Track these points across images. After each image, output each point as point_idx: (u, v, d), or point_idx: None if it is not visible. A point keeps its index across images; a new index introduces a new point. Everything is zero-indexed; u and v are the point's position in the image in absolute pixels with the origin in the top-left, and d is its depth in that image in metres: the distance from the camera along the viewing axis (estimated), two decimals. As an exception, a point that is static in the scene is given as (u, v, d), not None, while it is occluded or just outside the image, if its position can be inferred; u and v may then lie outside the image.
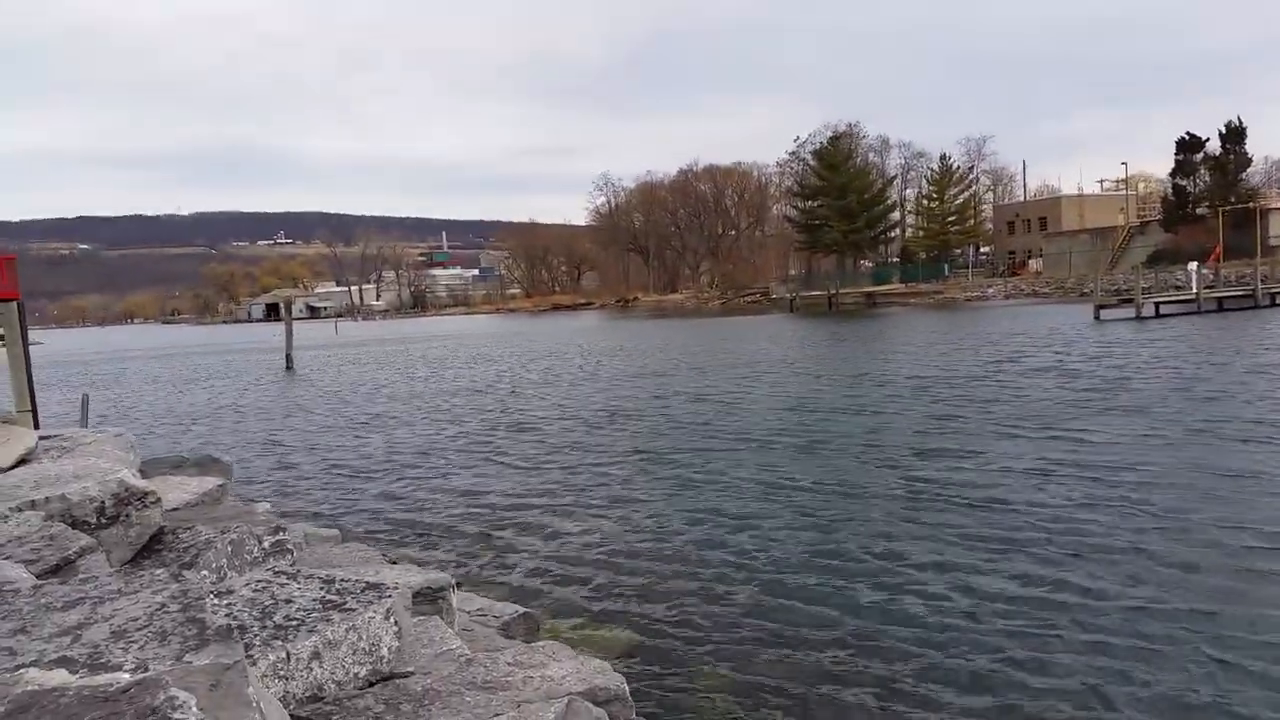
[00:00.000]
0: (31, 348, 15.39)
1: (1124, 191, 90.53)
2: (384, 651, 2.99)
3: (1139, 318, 39.71)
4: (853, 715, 5.53)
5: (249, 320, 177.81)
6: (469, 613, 5.60)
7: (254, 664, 2.54)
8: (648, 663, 6.38)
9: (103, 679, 1.94)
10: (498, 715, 2.88)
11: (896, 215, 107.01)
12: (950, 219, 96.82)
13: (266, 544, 4.08)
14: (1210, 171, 71.03)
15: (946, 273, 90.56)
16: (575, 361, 34.89)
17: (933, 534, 9.02)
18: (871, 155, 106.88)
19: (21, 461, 4.85)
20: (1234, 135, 70.13)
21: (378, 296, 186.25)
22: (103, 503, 3.81)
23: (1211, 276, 48.29)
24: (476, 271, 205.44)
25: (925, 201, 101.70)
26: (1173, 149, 73.46)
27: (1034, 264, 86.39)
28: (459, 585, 5.60)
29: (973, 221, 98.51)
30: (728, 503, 10.86)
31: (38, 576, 3.06)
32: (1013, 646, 6.30)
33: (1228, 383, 18.09)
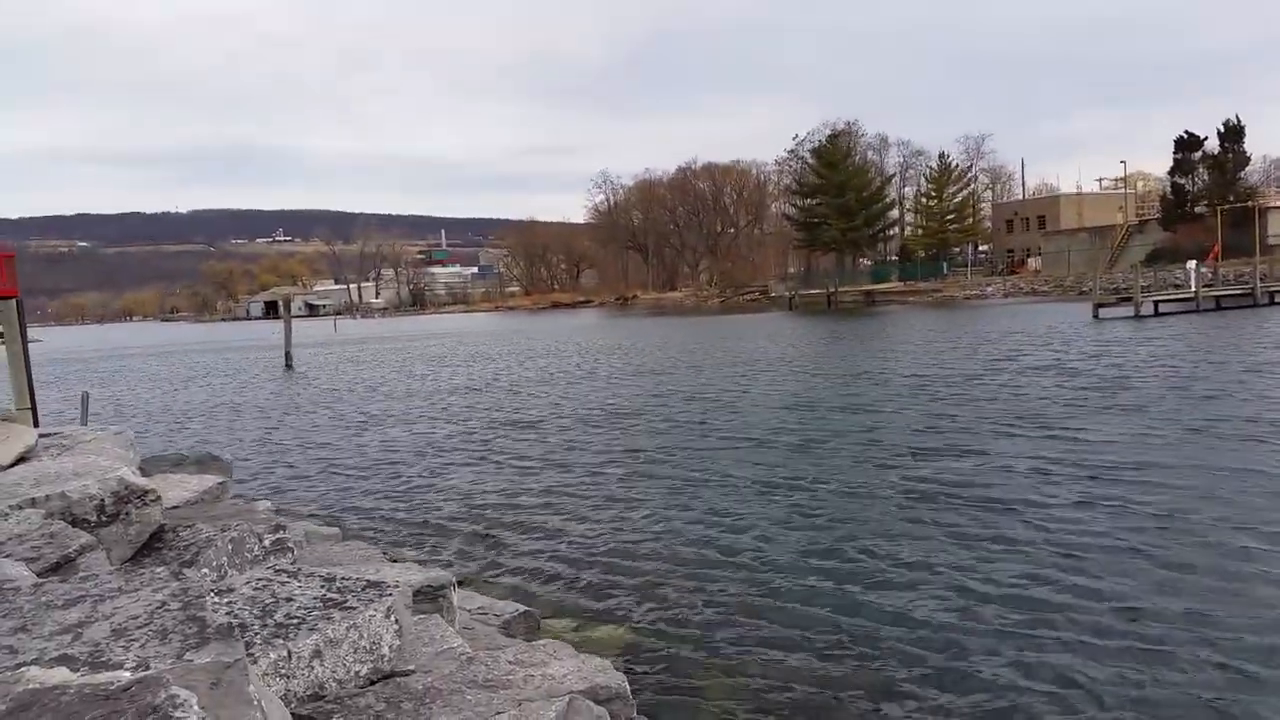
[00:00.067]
0: (30, 345, 15.38)
1: (1123, 190, 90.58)
2: (385, 650, 2.99)
3: (1138, 316, 39.74)
4: (851, 714, 5.53)
5: (248, 318, 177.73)
6: (470, 611, 5.60)
7: (255, 662, 2.54)
8: (648, 661, 6.38)
9: (104, 677, 1.94)
10: (499, 713, 2.88)
11: (895, 213, 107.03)
12: (949, 217, 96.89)
13: (267, 542, 4.08)
14: (1209, 170, 71.12)
15: (945, 271, 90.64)
16: (574, 360, 34.89)
17: (931, 533, 9.02)
18: (870, 153, 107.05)
19: (21, 459, 4.85)
20: (1232, 134, 70.19)
21: (377, 294, 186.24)
22: (103, 501, 3.81)
23: (1210, 275, 48.30)
24: (475, 270, 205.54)
25: (924, 200, 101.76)
26: (1171, 148, 73.62)
27: (1033, 262, 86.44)
28: (460, 584, 5.60)
29: (971, 220, 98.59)
30: (727, 502, 10.86)
31: (38, 574, 3.06)
32: (1013, 647, 6.30)
33: (1226, 381, 18.10)
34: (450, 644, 3.64)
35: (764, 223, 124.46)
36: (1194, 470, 10.85)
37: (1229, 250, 60.06)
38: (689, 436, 15.61)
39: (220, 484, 5.63)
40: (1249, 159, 72.68)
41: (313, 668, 2.76)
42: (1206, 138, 71.50)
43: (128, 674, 1.98)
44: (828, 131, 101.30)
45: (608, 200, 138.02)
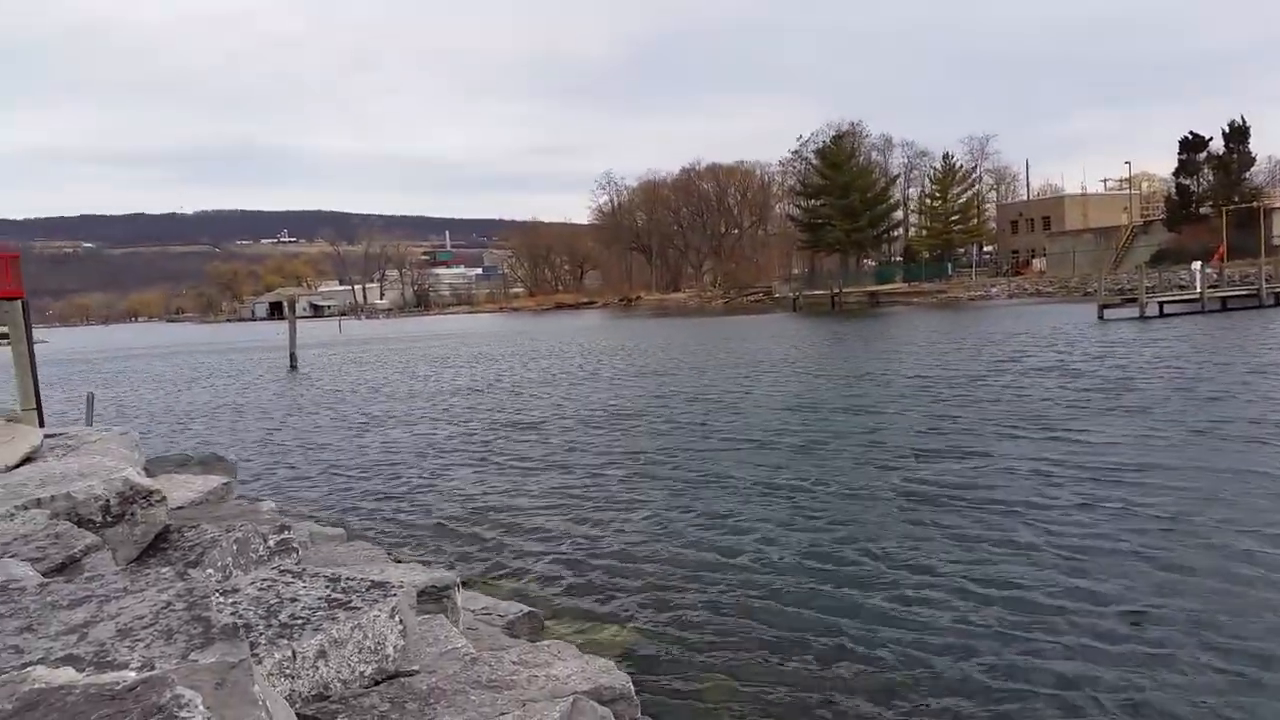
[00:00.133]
0: (35, 346, 15.41)
1: (1127, 191, 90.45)
2: (389, 650, 2.99)
3: (1143, 317, 39.66)
4: (854, 716, 5.52)
5: (253, 319, 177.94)
6: (474, 611, 5.61)
7: (260, 662, 2.55)
8: (652, 662, 6.37)
9: (109, 677, 1.94)
10: (503, 714, 2.88)
11: (899, 214, 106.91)
12: (953, 218, 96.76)
13: (272, 542, 4.09)
14: (1214, 171, 70.95)
15: (950, 272, 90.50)
16: (577, 361, 34.90)
17: (934, 535, 9.01)
18: (874, 154, 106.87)
19: (27, 460, 4.86)
20: (1237, 134, 70.04)
21: (381, 295, 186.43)
22: (108, 501, 3.82)
23: (1215, 276, 48.20)
24: (480, 270, 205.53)
25: (928, 200, 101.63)
26: (1176, 148, 73.49)
27: (1037, 263, 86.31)
28: (464, 584, 5.61)
29: (976, 220, 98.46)
30: (731, 503, 10.85)
31: (44, 575, 3.07)
32: (1016, 650, 6.28)
33: (1231, 383, 18.06)
34: (454, 644, 3.65)
35: (768, 224, 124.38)
36: (1198, 472, 10.83)
37: (1234, 251, 59.89)
38: (692, 438, 15.60)
39: (225, 484, 5.64)
40: (1254, 159, 72.55)
41: (317, 668, 2.77)
42: (1211, 138, 71.39)
43: (133, 674, 1.99)
44: (832, 132, 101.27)
45: (612, 201, 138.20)
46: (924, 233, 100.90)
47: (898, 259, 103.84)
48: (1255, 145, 70.93)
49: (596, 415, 19.00)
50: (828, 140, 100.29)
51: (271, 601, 3.00)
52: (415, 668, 3.11)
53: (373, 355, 46.36)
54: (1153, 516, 9.13)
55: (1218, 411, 14.87)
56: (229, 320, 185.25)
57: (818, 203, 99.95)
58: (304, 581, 3.20)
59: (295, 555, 4.16)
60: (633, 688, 3.45)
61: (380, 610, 2.98)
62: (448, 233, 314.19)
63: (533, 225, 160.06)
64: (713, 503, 10.88)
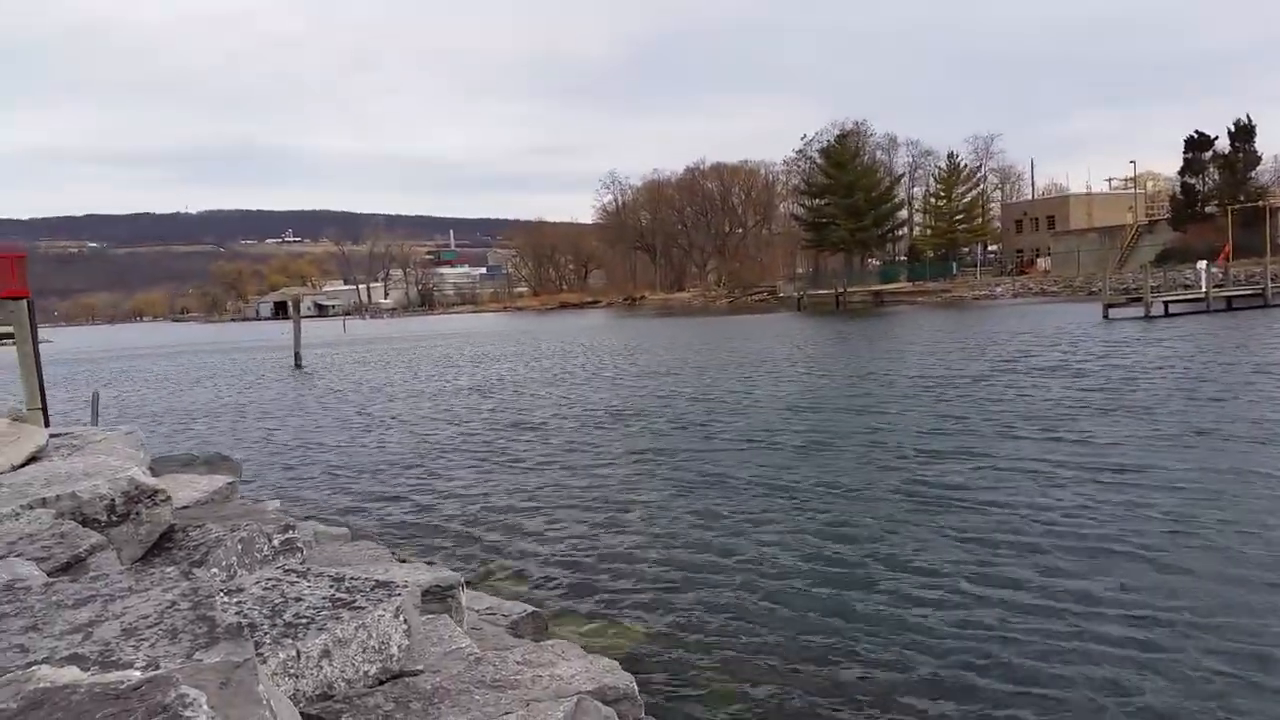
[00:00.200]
0: (40, 346, 15.44)
1: (1132, 190, 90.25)
2: (393, 650, 2.99)
3: (1148, 317, 39.57)
4: (857, 716, 5.52)
5: (257, 318, 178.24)
6: (478, 611, 5.61)
7: (264, 662, 2.55)
8: (656, 662, 6.38)
9: (114, 676, 1.94)
10: (507, 714, 2.88)
11: (904, 213, 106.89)
12: (958, 217, 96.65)
13: (276, 542, 4.08)
14: (1219, 170, 70.76)
15: (954, 271, 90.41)
16: (581, 360, 34.92)
17: (937, 536, 9.00)
18: (879, 153, 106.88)
19: (32, 459, 4.87)
20: (1243, 133, 69.86)
21: (385, 295, 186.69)
22: (113, 501, 3.82)
23: (1220, 275, 48.08)
24: (484, 270, 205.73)
25: (933, 200, 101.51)
26: (1181, 147, 73.33)
27: (1042, 263, 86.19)
28: (468, 584, 5.61)
29: (980, 220, 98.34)
30: (735, 504, 10.85)
31: (49, 574, 3.07)
32: (1016, 650, 6.28)
33: (1235, 383, 18.02)
34: (458, 644, 3.64)
35: (772, 223, 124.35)
36: (1201, 473, 10.80)
37: (1239, 250, 59.70)
38: (696, 438, 15.60)
39: (229, 484, 5.65)
40: (1260, 158, 72.33)
41: (321, 667, 2.77)
42: (1217, 137, 71.25)
43: (138, 673, 1.99)
44: (836, 131, 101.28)
45: (616, 200, 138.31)
46: (928, 232, 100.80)
47: (902, 258, 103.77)
48: (1260, 144, 70.84)
49: (600, 415, 19.00)
50: (832, 139, 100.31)
51: (276, 601, 3.00)
52: (419, 667, 3.11)
53: (377, 355, 46.41)
54: (1156, 517, 9.12)
55: (1221, 412, 14.84)
56: (234, 320, 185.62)
57: (822, 202, 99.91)
58: (308, 581, 3.20)
59: (300, 555, 4.16)
60: (636, 688, 3.45)
61: (384, 610, 2.98)
62: (452, 232, 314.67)
63: (537, 225, 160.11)
64: (716, 503, 10.88)
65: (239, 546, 3.88)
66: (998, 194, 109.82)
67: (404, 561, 6.41)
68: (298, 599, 3.02)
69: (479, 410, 21.05)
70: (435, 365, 36.73)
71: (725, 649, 6.55)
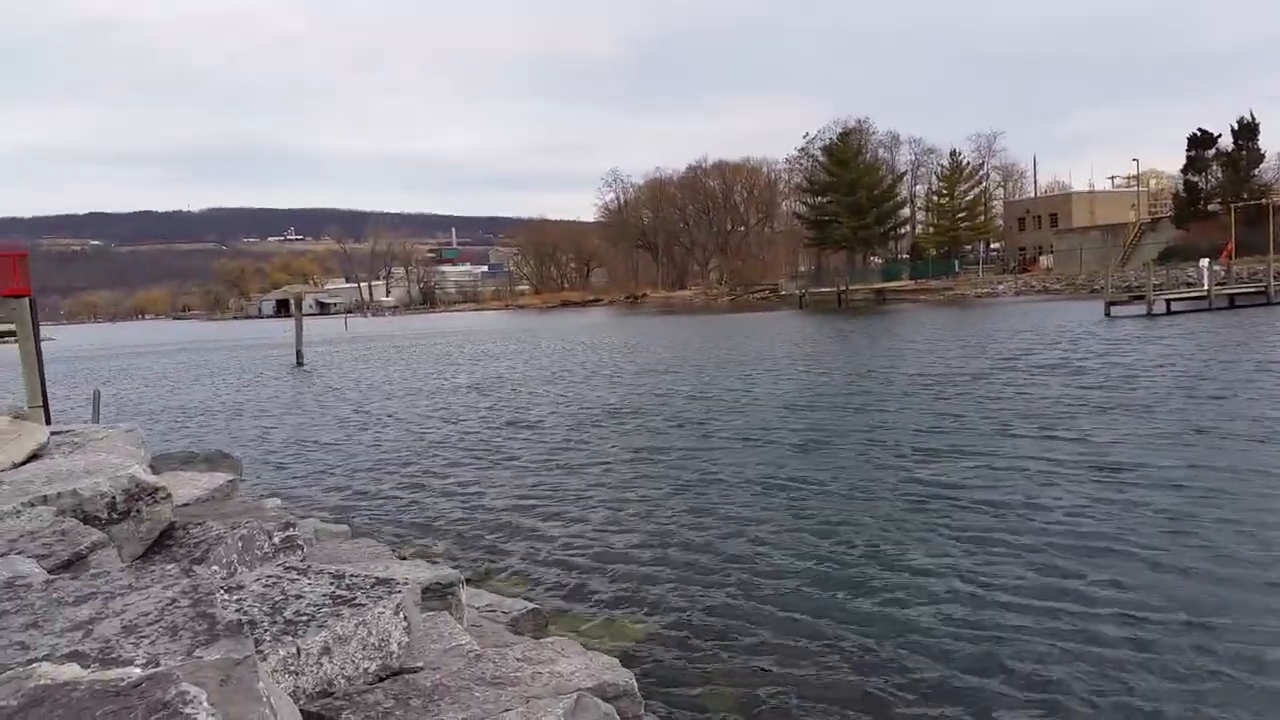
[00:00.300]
0: (42, 344, 15.46)
1: (1135, 188, 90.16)
2: (393, 647, 3.00)
3: (1150, 314, 39.53)
4: (859, 710, 5.52)
5: (259, 316, 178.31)
6: (478, 609, 5.62)
7: (264, 659, 2.55)
8: (656, 659, 6.38)
9: (114, 673, 1.95)
10: (507, 711, 2.89)
11: (906, 211, 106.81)
12: (960, 215, 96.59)
13: (277, 539, 4.09)
14: (1222, 168, 70.66)
15: (957, 269, 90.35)
16: (583, 358, 34.92)
17: (937, 535, 9.00)
18: (881, 151, 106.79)
19: (33, 457, 4.88)
20: (1246, 131, 69.76)
21: (387, 293, 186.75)
22: (114, 498, 3.83)
23: (1223, 273, 48.03)
24: (486, 268, 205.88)
25: (935, 197, 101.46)
26: (1184, 145, 73.21)
27: (1045, 260, 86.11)
28: (468, 581, 5.61)
29: (983, 218, 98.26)
30: (735, 501, 10.86)
31: (50, 571, 3.08)
32: (1014, 649, 6.28)
33: (1237, 381, 18.00)
34: (458, 641, 3.65)
35: (774, 221, 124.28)
36: (1201, 471, 10.79)
37: (1242, 248, 59.68)
38: (697, 436, 15.61)
39: (230, 481, 5.65)
40: (1263, 156, 72.20)
41: (322, 664, 2.77)
42: (1220, 135, 71.13)
43: (138, 670, 1.99)
44: (838, 129, 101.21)
45: (618, 199, 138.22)
46: (931, 230, 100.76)
47: (904, 256, 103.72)
48: (1263, 142, 70.73)
49: (600, 413, 19.01)
50: (834, 137, 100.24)
51: (276, 598, 3.01)
52: (419, 664, 3.11)
53: (378, 353, 46.44)
54: (1155, 516, 9.11)
55: (1222, 410, 14.82)
56: (236, 318, 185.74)
57: (824, 200, 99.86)
58: (309, 578, 3.20)
59: (300, 552, 4.17)
60: (636, 685, 3.45)
61: (385, 607, 2.99)
62: (454, 230, 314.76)
63: (539, 223, 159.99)
64: (717, 501, 10.89)
65: (239, 544, 3.89)
66: (1000, 192, 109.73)
67: (404, 559, 6.42)
68: (298, 596, 3.02)
69: (479, 408, 21.06)
70: (436, 363, 36.74)
71: (724, 646, 6.55)
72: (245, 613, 2.85)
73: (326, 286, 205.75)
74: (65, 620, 2.46)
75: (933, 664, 6.08)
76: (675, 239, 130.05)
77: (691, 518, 10.18)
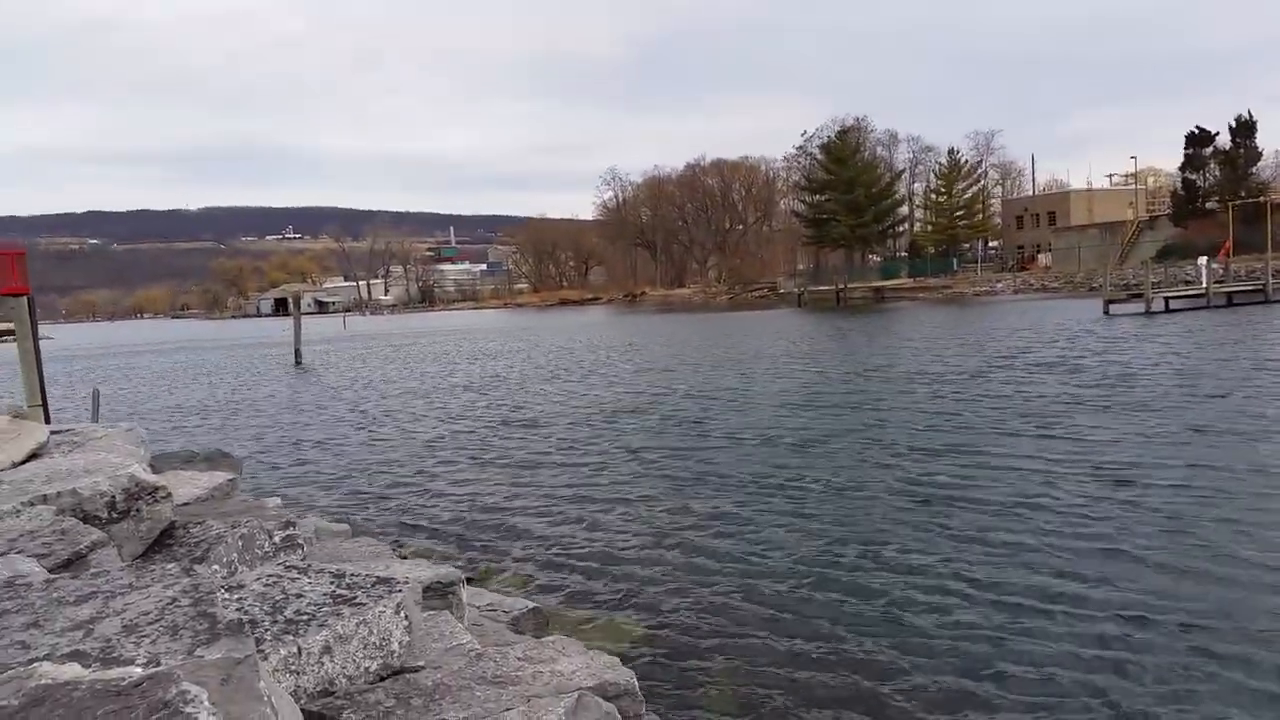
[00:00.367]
0: (41, 342, 15.44)
1: (1133, 186, 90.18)
2: (394, 646, 2.99)
3: (1148, 313, 39.54)
4: (860, 709, 5.52)
5: (258, 315, 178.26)
6: (479, 608, 5.62)
7: (265, 658, 2.55)
8: (657, 658, 6.38)
9: (115, 673, 1.94)
10: (508, 710, 2.88)
11: (904, 210, 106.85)
12: (959, 213, 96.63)
13: (277, 539, 4.09)
14: (1220, 166, 70.65)
15: (955, 267, 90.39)
16: (582, 357, 34.92)
17: (938, 533, 9.01)
18: (879, 149, 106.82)
19: (33, 456, 4.87)
20: (1244, 129, 69.75)
21: (386, 291, 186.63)
22: (114, 497, 3.82)
23: (1221, 271, 48.07)
24: (484, 266, 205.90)
25: (933, 196, 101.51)
26: (1182, 143, 73.22)
27: (1043, 259, 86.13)
28: (469, 580, 5.61)
29: (981, 216, 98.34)
30: (735, 500, 10.86)
31: (50, 571, 3.07)
32: (1012, 648, 6.28)
33: (1234, 379, 18.01)
34: (459, 640, 3.65)
35: (773, 219, 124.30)
36: (1199, 470, 10.79)
37: (1240, 246, 59.67)
38: (696, 435, 15.61)
39: (230, 480, 5.65)
40: (1261, 154, 72.17)
41: (322, 664, 2.77)
42: (1218, 133, 71.12)
43: (139, 670, 1.99)
44: (837, 128, 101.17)
45: (616, 197, 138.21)
46: (929, 228, 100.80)
47: (903, 254, 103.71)
48: (1261, 140, 70.72)
49: (600, 412, 19.01)
50: (833, 135, 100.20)
51: (277, 597, 3.00)
52: (420, 664, 3.11)
53: (377, 351, 46.42)
54: (1154, 516, 9.10)
55: (1220, 408, 14.84)
56: (234, 317, 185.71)
57: (823, 198, 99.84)
58: (309, 577, 3.20)
59: (300, 551, 4.16)
60: (637, 684, 3.45)
61: (385, 606, 2.98)
62: (452, 229, 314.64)
63: (537, 221, 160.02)
64: (717, 500, 10.89)
65: (240, 543, 3.89)
66: (998, 190, 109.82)
67: (405, 558, 6.42)
68: (298, 595, 3.02)
69: (479, 407, 21.05)
70: (435, 362, 36.73)
71: (725, 645, 6.55)
72: (246, 612, 2.85)
73: (325, 285, 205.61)
74: (66, 620, 2.46)
75: (931, 663, 6.08)
76: (674, 237, 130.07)
77: (692, 517, 10.18)
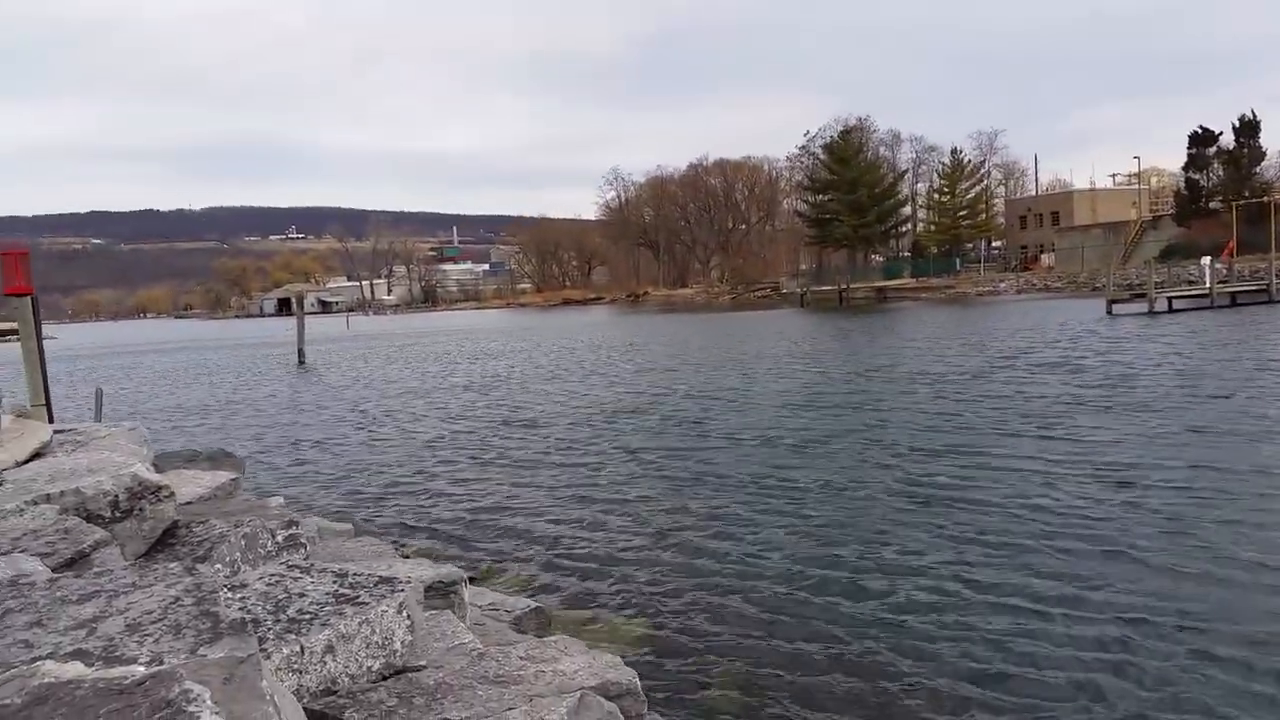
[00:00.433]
0: (44, 342, 15.45)
1: (1137, 186, 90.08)
2: (396, 645, 3.00)
3: (1151, 313, 39.49)
4: (861, 709, 5.52)
5: (261, 315, 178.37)
6: (481, 607, 5.62)
7: (268, 657, 2.55)
8: (659, 657, 6.38)
9: (118, 671, 1.95)
10: (510, 709, 2.89)
11: (907, 210, 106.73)
12: (962, 213, 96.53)
13: (280, 538, 4.10)
14: (1224, 165, 70.57)
15: (958, 267, 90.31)
16: (585, 357, 34.92)
17: (939, 534, 8.99)
18: (882, 149, 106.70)
19: (36, 455, 4.88)
20: (1248, 129, 69.66)
21: (389, 291, 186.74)
22: (117, 496, 3.83)
23: (1225, 271, 48.01)
24: (487, 266, 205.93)
25: (936, 196, 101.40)
26: (1186, 143, 73.09)
27: (1046, 259, 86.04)
28: (471, 580, 5.62)
29: (984, 216, 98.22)
30: (736, 499, 10.85)
31: (53, 569, 3.08)
32: (1017, 649, 6.27)
33: (1237, 379, 17.98)
34: (462, 640, 3.66)
35: (775, 219, 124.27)
36: (1201, 471, 10.76)
37: (1244, 246, 59.59)
38: (699, 435, 15.60)
39: (233, 480, 5.66)
40: (1265, 154, 72.10)
41: (325, 663, 2.78)
42: (1221, 133, 71.04)
43: (142, 669, 1.99)
44: (840, 127, 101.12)
45: (619, 197, 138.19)
46: (932, 228, 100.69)
47: (906, 254, 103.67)
48: (1265, 140, 70.63)
49: (602, 412, 19.01)
50: (836, 135, 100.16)
51: (279, 597, 3.01)
52: (422, 663, 3.12)
53: (380, 351, 46.45)
54: (1156, 517, 9.08)
55: (1224, 409, 14.81)
56: (237, 316, 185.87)
57: (825, 198, 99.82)
58: (312, 577, 3.20)
59: (303, 550, 4.17)
60: (639, 683, 3.46)
61: (388, 606, 2.99)
62: (455, 229, 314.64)
63: (540, 221, 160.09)
64: (718, 500, 10.88)
65: (242, 542, 3.89)
66: (1002, 190, 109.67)
67: (407, 557, 6.43)
68: (301, 595, 3.03)
69: (481, 407, 21.06)
70: (438, 362, 36.75)
71: (727, 645, 6.55)
72: (249, 611, 2.85)
73: (328, 285, 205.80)
74: (69, 618, 2.47)
75: (932, 664, 6.07)
76: (676, 237, 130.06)
77: (693, 517, 10.17)
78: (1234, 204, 64.93)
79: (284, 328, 69.06)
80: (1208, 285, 42.47)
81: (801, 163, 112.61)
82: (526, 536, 9.75)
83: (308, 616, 2.86)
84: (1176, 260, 57.64)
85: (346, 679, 2.83)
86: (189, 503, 4.87)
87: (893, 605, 7.15)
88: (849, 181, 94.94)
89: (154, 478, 4.03)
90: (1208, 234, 63.17)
